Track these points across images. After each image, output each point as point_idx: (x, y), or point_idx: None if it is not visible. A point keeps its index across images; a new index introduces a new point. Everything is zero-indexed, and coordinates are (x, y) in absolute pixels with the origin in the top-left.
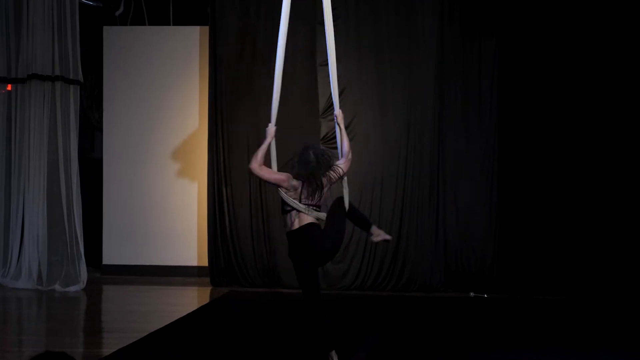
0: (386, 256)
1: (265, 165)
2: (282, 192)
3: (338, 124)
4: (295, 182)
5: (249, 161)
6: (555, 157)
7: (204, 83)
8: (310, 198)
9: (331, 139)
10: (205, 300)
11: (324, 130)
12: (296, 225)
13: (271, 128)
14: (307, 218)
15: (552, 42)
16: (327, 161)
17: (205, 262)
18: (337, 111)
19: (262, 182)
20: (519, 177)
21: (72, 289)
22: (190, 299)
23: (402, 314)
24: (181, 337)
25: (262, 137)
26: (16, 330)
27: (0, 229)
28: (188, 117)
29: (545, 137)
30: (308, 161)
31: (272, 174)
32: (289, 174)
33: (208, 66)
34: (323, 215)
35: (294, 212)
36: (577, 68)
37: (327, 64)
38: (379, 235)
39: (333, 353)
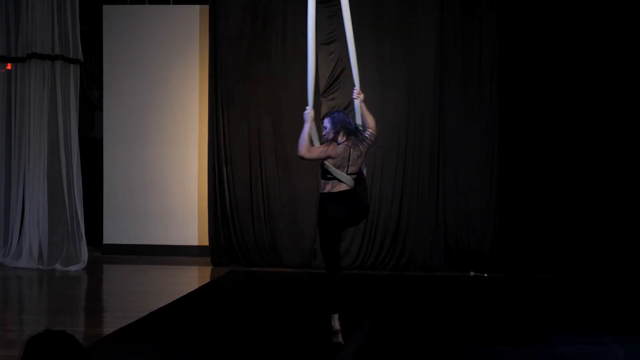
0: (386, 236)
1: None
2: (328, 164)
3: (361, 102)
4: (340, 149)
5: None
6: (556, 136)
7: (204, 62)
8: (352, 167)
9: None
10: (206, 279)
11: (324, 110)
12: (337, 189)
13: (309, 112)
14: (344, 185)
15: (553, 21)
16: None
17: (205, 242)
18: (359, 90)
19: (262, 161)
20: (519, 157)
21: (72, 268)
22: (190, 279)
23: (403, 294)
24: (182, 317)
25: (261, 117)
26: (17, 310)
27: (0, 209)
28: (188, 96)
29: (545, 117)
30: (346, 120)
31: (322, 150)
32: (332, 143)
33: (208, 45)
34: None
35: (335, 180)
36: (578, 45)
37: (327, 43)
38: None
39: (336, 317)
